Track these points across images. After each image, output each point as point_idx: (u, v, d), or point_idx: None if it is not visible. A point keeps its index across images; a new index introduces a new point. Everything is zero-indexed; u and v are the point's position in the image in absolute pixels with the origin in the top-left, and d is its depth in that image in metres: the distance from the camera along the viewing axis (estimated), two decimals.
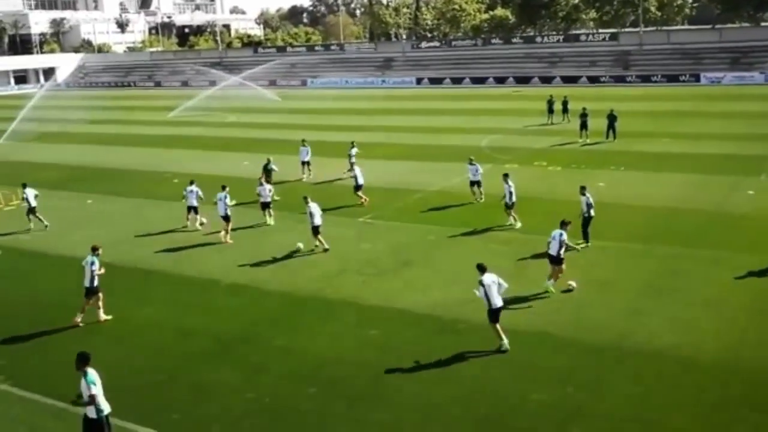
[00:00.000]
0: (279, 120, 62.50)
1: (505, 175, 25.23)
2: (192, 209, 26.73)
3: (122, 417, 13.51)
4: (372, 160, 38.24)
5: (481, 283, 15.53)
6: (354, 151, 34.68)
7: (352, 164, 32.73)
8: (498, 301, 15.53)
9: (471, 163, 29.00)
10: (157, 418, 13.51)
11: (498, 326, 15.63)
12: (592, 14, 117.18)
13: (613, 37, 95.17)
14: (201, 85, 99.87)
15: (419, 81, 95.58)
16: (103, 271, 18.13)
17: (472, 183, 28.88)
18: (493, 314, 15.59)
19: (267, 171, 31.19)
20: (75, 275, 22.39)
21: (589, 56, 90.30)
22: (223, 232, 24.77)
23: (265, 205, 26.93)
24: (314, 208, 23.20)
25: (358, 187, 29.24)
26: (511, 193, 24.67)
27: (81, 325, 18.01)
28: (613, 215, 24.07)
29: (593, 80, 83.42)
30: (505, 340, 15.56)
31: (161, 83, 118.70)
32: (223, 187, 25.06)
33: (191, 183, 26.95)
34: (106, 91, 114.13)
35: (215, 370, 15.48)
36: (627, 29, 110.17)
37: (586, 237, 22.24)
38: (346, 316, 18.08)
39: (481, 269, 15.75)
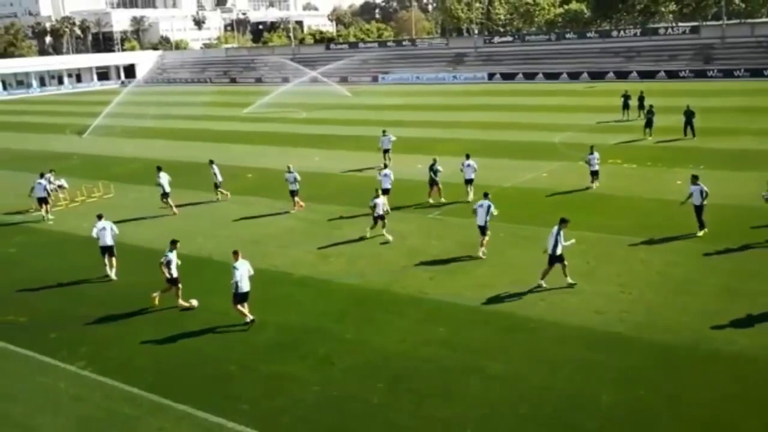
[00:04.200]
0: (350, 116, 62.91)
1: (467, 155, 28.74)
2: (293, 193, 28.50)
3: (193, 406, 13.95)
4: (443, 156, 38.14)
5: (235, 268, 17.30)
6: (595, 156, 29.75)
7: (592, 173, 29.78)
8: (245, 286, 17.34)
9: (468, 159, 28.58)
10: (227, 408, 13.81)
11: (240, 307, 17.42)
12: (672, 7, 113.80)
13: (694, 30, 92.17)
14: (274, 82, 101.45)
15: (491, 76, 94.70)
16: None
17: (468, 181, 28.35)
18: (239, 297, 17.37)
19: (434, 172, 28.45)
20: (152, 266, 23.13)
21: (668, 50, 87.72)
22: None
23: (379, 218, 24.15)
24: (163, 177, 28.88)
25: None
26: (462, 170, 28.28)
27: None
28: (691, 214, 23.31)
29: (672, 75, 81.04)
30: (249, 317, 17.50)
31: (236, 79, 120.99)
32: (486, 195, 22.40)
33: (288, 169, 28.68)
34: (184, 87, 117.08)
35: (284, 362, 15.73)
36: (709, 22, 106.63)
37: (701, 225, 22.77)
38: (413, 312, 18.11)
39: (235, 254, 17.63)
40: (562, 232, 18.68)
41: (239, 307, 17.48)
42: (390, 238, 23.85)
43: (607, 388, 13.80)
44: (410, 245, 23.50)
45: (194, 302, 19.12)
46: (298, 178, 28.34)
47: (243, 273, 17.34)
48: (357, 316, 18.12)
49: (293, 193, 28.61)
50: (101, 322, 18.65)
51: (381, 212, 23.91)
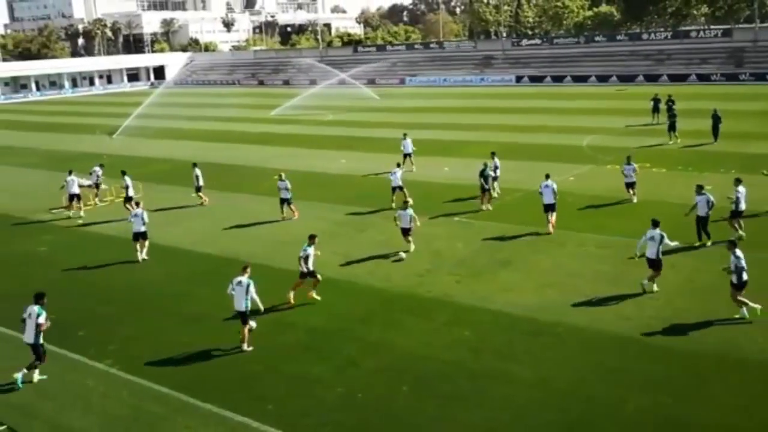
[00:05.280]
0: (377, 118, 62.98)
1: (493, 153, 30.32)
2: (284, 201, 27.98)
3: (218, 405, 14.03)
4: (470, 159, 38.06)
5: (239, 284, 16.44)
6: (632, 167, 28.14)
7: (628, 185, 28.25)
8: (239, 305, 16.40)
9: (494, 157, 30.06)
10: (253, 408, 13.88)
11: (245, 328, 16.58)
12: (704, 9, 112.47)
13: (726, 33, 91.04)
14: (302, 84, 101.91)
15: (519, 79, 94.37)
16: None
17: (494, 179, 29.30)
18: (238, 314, 16.55)
19: (484, 178, 27.56)
20: (178, 265, 23.42)
21: (699, 53, 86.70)
22: None
23: (406, 231, 22.94)
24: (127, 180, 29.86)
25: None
26: (496, 168, 29.67)
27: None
28: (718, 219, 23.03)
29: (703, 78, 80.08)
30: (246, 345, 16.47)
31: (264, 82, 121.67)
32: (547, 176, 25.22)
33: (280, 177, 28.25)
34: (212, 89, 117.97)
35: (309, 363, 15.78)
36: (741, 25, 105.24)
37: (699, 236, 22.07)
38: (438, 315, 18.07)
39: (244, 269, 16.70)
40: (664, 234, 18.34)
41: (244, 327, 16.61)
42: (404, 255, 22.58)
43: (633, 395, 13.67)
44: (436, 248, 23.44)
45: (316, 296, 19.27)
46: (289, 186, 27.94)
47: (237, 290, 16.39)
48: (382, 318, 18.12)
49: (285, 202, 28.04)
50: (128, 320, 18.86)
51: (405, 225, 22.68)
